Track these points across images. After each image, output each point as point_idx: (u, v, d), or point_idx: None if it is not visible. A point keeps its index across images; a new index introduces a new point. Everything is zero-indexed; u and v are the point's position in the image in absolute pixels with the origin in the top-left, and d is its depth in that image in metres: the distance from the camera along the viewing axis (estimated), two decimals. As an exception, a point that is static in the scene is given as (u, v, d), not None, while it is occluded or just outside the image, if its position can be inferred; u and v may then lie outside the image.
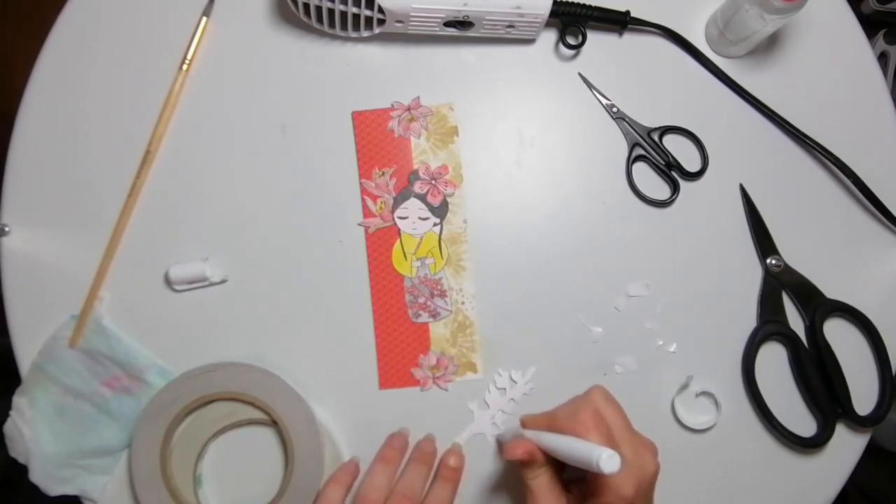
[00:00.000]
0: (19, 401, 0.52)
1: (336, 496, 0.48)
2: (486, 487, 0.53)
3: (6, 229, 0.53)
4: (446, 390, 0.53)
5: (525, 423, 0.47)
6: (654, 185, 0.53)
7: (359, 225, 0.53)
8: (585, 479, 0.43)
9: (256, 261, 0.53)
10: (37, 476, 0.51)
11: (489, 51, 0.54)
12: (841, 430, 0.52)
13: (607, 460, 0.35)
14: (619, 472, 0.35)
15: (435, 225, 0.53)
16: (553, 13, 0.50)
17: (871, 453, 0.54)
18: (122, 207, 0.53)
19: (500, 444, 0.52)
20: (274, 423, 0.50)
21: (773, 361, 0.53)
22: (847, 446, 0.52)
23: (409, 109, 0.53)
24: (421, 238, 0.53)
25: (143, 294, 0.53)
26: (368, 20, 0.50)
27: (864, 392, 0.52)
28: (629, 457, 0.41)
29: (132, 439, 0.50)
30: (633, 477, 0.40)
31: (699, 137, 0.53)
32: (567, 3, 0.50)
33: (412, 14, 0.48)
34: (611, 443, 0.41)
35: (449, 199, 0.53)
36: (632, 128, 0.53)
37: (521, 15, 0.49)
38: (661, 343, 0.53)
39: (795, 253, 0.53)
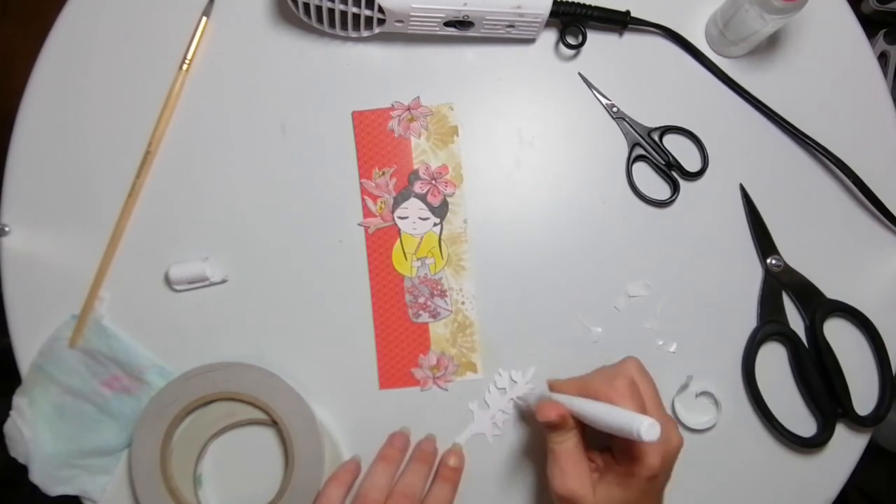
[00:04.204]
0: (19, 401, 0.52)
1: (336, 495, 0.48)
2: (486, 487, 0.53)
3: (6, 229, 0.53)
4: (446, 390, 0.53)
5: (554, 386, 0.46)
6: (654, 185, 0.53)
7: (359, 225, 0.53)
8: (610, 448, 0.43)
9: (256, 261, 0.53)
10: (37, 476, 0.51)
11: (489, 51, 0.54)
12: (841, 430, 0.52)
13: (648, 428, 0.35)
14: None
15: (435, 225, 0.53)
16: (553, 13, 0.50)
17: (871, 453, 0.54)
18: (122, 207, 0.53)
19: (521, 407, 0.52)
20: (274, 423, 0.50)
21: (773, 361, 0.53)
22: (847, 446, 0.52)
23: (409, 109, 0.53)
24: (421, 238, 0.53)
25: (143, 294, 0.53)
26: (368, 20, 0.50)
27: (864, 392, 0.52)
28: None
29: (132, 439, 0.50)
30: (660, 450, 0.40)
31: (699, 137, 0.53)
32: (567, 2, 0.50)
33: (412, 14, 0.48)
34: (643, 413, 0.41)
35: (449, 199, 0.53)
36: (632, 128, 0.53)
37: (521, 15, 0.49)
38: (661, 343, 0.53)
39: (795, 253, 0.53)
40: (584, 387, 0.43)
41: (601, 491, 0.41)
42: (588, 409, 0.40)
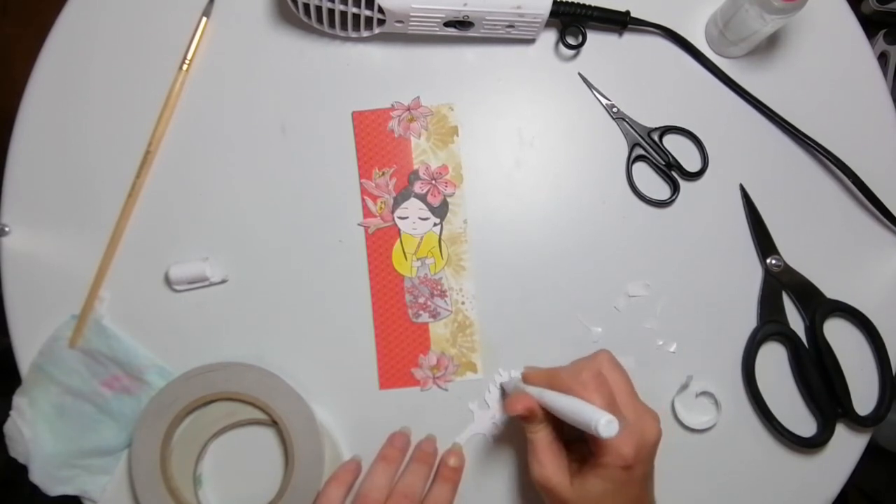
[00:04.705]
0: (19, 401, 0.52)
1: (337, 495, 0.48)
2: (486, 487, 0.53)
3: (6, 229, 0.53)
4: (446, 390, 0.53)
5: (527, 377, 0.47)
6: (654, 185, 0.53)
7: (359, 225, 0.53)
8: (585, 439, 0.43)
9: (256, 261, 0.53)
10: (37, 476, 0.51)
11: (489, 51, 0.54)
12: (841, 430, 0.52)
13: (606, 425, 0.36)
14: (620, 435, 0.36)
15: (435, 225, 0.53)
16: (553, 13, 0.50)
17: (871, 453, 0.54)
18: (122, 207, 0.53)
19: (504, 393, 0.52)
20: (274, 423, 0.50)
21: (773, 361, 0.53)
22: (847, 446, 0.52)
23: (409, 109, 0.53)
24: (421, 238, 0.53)
25: (143, 294, 0.53)
26: (368, 20, 0.50)
27: (864, 392, 0.52)
28: (630, 420, 0.41)
29: (132, 439, 0.50)
30: (633, 440, 0.41)
31: (699, 137, 0.53)
32: (567, 3, 0.50)
33: (412, 14, 0.48)
34: (612, 406, 0.41)
35: (449, 199, 0.53)
36: (632, 128, 0.53)
37: (521, 15, 0.49)
38: (661, 343, 0.53)
39: (795, 253, 0.53)
40: (552, 378, 0.44)
41: (579, 481, 0.42)
42: (555, 402, 0.41)
